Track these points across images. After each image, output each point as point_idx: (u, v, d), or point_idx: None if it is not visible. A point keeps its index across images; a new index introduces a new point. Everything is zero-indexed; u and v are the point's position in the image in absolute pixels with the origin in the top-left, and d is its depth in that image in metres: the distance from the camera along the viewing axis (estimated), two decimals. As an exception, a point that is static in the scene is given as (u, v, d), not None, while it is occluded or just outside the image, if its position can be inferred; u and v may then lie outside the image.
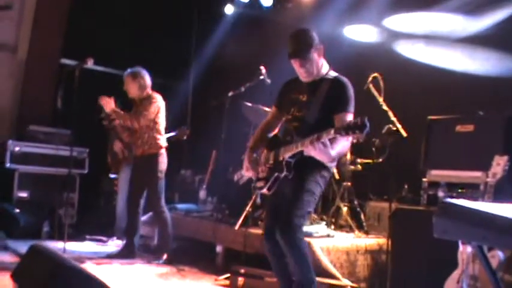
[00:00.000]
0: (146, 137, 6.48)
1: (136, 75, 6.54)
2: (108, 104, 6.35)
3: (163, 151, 6.56)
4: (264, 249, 4.41)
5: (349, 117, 4.02)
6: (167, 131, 6.86)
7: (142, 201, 6.62)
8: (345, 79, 4.21)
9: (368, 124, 3.45)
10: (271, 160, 4.17)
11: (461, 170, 4.90)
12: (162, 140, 6.58)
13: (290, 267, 4.19)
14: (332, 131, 3.61)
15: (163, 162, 6.54)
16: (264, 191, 4.19)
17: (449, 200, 2.45)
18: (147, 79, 6.58)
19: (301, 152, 3.91)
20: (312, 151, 3.79)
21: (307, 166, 4.02)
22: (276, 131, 4.46)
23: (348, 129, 3.48)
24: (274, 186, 4.11)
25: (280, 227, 4.03)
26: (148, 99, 6.51)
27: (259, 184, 4.24)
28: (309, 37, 4.16)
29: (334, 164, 4.24)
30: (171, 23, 9.73)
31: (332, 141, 3.81)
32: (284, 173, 4.04)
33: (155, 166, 6.46)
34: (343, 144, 3.93)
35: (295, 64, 4.19)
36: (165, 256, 6.47)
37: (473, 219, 2.30)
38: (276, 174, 4.08)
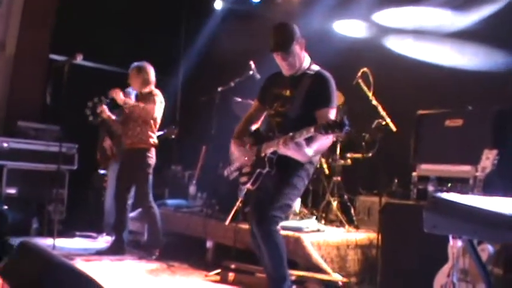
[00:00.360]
0: (138, 130, 6.47)
1: (141, 69, 6.56)
2: (119, 94, 6.38)
3: (152, 148, 6.54)
4: (252, 245, 4.43)
5: (332, 112, 4.03)
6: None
7: (129, 197, 6.59)
8: (327, 74, 4.21)
9: (347, 123, 3.43)
10: (253, 156, 4.17)
11: (450, 164, 4.91)
12: (154, 137, 6.57)
13: (263, 261, 4.20)
14: (312, 129, 3.61)
15: (151, 157, 6.53)
16: (248, 186, 4.20)
17: (439, 194, 2.45)
18: (152, 75, 6.61)
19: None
20: (286, 151, 3.81)
21: (290, 161, 4.01)
22: (259, 124, 4.47)
23: (327, 127, 3.48)
24: (258, 182, 4.11)
25: (256, 218, 4.08)
26: (151, 95, 6.53)
27: (243, 179, 4.27)
28: (290, 30, 4.16)
29: (317, 158, 4.24)
30: (160, 19, 9.70)
31: (310, 139, 3.82)
32: (266, 169, 4.04)
33: (143, 161, 6.45)
34: (321, 142, 3.93)
35: (277, 57, 4.20)
36: (157, 252, 6.48)
37: (463, 213, 2.31)
38: (258, 170, 4.09)
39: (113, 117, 6.62)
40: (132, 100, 6.61)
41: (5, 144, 7.81)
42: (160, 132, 7.11)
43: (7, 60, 8.84)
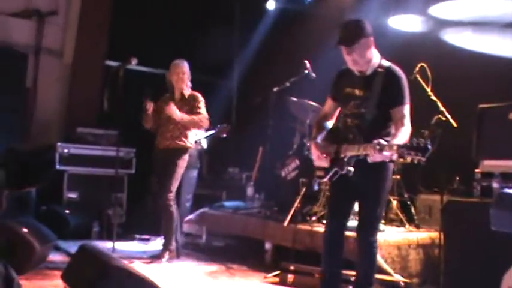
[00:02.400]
0: (178, 133, 6.41)
1: (186, 67, 6.50)
2: (174, 110, 6.28)
3: (188, 150, 6.49)
4: (323, 237, 4.54)
5: (406, 109, 4.09)
6: (209, 129, 6.83)
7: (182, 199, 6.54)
8: (398, 70, 4.22)
9: (430, 148, 3.59)
10: (332, 154, 4.21)
11: (515, 159, 4.75)
12: (191, 138, 6.52)
13: (357, 267, 4.39)
14: (395, 147, 3.70)
15: (184, 159, 6.44)
16: (324, 180, 4.33)
17: (506, 190, 2.34)
18: (189, 73, 6.55)
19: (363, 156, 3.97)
20: (374, 159, 3.88)
21: (374, 166, 4.01)
22: (334, 120, 4.50)
23: (411, 149, 3.60)
24: (334, 179, 4.20)
25: (364, 232, 4.27)
26: (196, 99, 6.46)
27: (319, 173, 4.33)
28: (358, 26, 4.15)
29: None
30: (213, 21, 9.73)
31: (391, 139, 3.91)
32: (345, 171, 4.08)
33: (176, 159, 6.35)
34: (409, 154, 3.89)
35: (344, 52, 4.19)
36: (166, 255, 6.28)
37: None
38: (335, 169, 4.14)
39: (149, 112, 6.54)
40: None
41: (66, 150, 7.97)
42: (212, 132, 7.10)
43: (65, 68, 9.04)
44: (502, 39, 6.37)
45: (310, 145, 4.52)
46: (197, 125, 6.42)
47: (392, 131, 4.14)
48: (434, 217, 6.06)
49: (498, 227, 2.34)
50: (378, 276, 4.83)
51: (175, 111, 6.26)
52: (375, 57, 4.24)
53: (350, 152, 4.07)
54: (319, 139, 4.39)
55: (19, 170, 7.70)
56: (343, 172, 4.09)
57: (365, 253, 4.28)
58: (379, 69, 4.19)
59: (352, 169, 4.06)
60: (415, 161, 3.66)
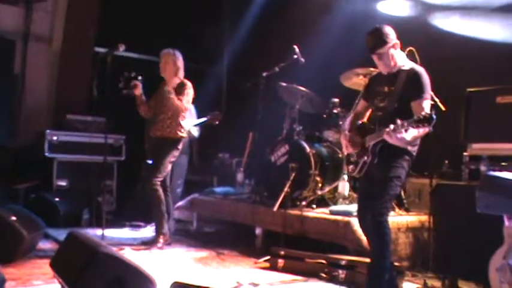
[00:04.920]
0: (169, 122, 6.38)
1: (177, 56, 6.49)
2: (138, 88, 6.35)
3: (181, 140, 6.48)
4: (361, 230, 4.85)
5: (426, 102, 4.39)
6: (200, 116, 6.79)
7: (173, 186, 6.53)
8: (419, 68, 4.55)
9: (435, 117, 3.91)
10: (359, 147, 4.60)
11: (503, 142, 4.77)
12: (184, 128, 6.50)
13: (371, 249, 4.58)
14: (406, 123, 4.04)
15: (177, 149, 6.44)
16: (355, 174, 4.65)
17: (492, 173, 2.35)
18: (182, 62, 6.53)
19: (384, 140, 4.32)
20: (390, 140, 4.23)
21: (392, 153, 4.40)
22: (365, 119, 4.79)
23: (418, 122, 3.97)
24: (363, 170, 4.54)
25: (373, 212, 4.42)
26: (184, 86, 6.43)
27: (351, 167, 4.70)
28: (383, 33, 4.52)
29: (416, 147, 4.56)
30: (202, 7, 9.69)
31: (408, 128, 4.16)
32: (370, 158, 4.47)
33: (169, 149, 6.35)
34: (418, 131, 4.20)
35: (374, 58, 4.58)
36: (161, 239, 6.27)
37: (518, 191, 2.20)
38: (363, 159, 4.51)
39: (143, 98, 6.53)
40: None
41: (55, 138, 7.96)
42: (204, 119, 7.08)
43: (54, 55, 8.98)
44: (490, 24, 6.37)
45: (340, 137, 5.00)
46: (176, 109, 6.37)
47: None
48: (424, 200, 6.07)
49: (483, 209, 2.35)
50: (367, 260, 4.86)
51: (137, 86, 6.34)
52: (401, 58, 4.62)
53: (372, 140, 4.44)
54: (347, 131, 4.80)
55: (10, 168, 7.70)
56: (370, 159, 4.45)
57: (375, 233, 4.43)
58: (404, 68, 4.56)
59: (376, 157, 4.43)
60: (425, 132, 4.13)
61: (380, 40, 4.50)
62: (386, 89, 4.59)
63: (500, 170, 4.22)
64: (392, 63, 4.56)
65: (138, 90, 6.38)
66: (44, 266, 4.89)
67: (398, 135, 4.14)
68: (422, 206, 6.05)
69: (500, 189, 2.28)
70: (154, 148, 6.52)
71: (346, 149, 4.81)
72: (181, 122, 6.44)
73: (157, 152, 6.40)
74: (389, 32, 4.55)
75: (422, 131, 4.18)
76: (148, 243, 6.28)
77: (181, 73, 6.52)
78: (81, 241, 3.78)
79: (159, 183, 6.31)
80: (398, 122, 4.09)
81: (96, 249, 3.49)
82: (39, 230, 5.69)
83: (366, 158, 4.49)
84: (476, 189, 3.88)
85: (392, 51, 4.53)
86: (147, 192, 6.41)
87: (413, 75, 4.47)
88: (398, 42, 4.57)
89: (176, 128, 6.40)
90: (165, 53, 6.50)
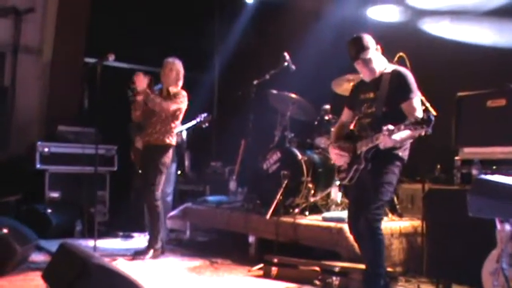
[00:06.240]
0: (158, 127, 6.34)
1: (176, 65, 6.47)
2: (142, 82, 6.28)
3: (171, 148, 6.43)
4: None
5: (416, 100, 4.43)
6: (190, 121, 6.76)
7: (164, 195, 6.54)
8: (402, 69, 4.62)
9: (433, 119, 3.90)
10: (350, 154, 4.58)
11: (494, 145, 4.77)
12: (174, 136, 6.46)
13: (364, 255, 4.62)
14: (402, 127, 4.05)
15: (168, 157, 6.38)
16: (346, 182, 4.63)
17: (483, 176, 2.34)
18: (182, 74, 6.51)
19: (377, 146, 4.33)
20: (386, 142, 4.22)
21: (383, 158, 4.42)
22: (352, 127, 4.81)
23: (416, 124, 3.96)
24: (355, 177, 4.53)
25: (366, 218, 4.40)
26: (179, 94, 6.40)
27: (341, 176, 4.69)
28: (364, 40, 4.55)
29: (407, 152, 4.58)
30: (192, 16, 9.70)
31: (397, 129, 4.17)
32: (363, 165, 4.46)
33: (158, 157, 6.30)
34: (405, 133, 4.20)
35: (358, 66, 4.61)
36: (150, 252, 6.24)
37: (509, 195, 2.20)
38: (355, 166, 4.51)
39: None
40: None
41: (46, 149, 7.93)
42: (193, 122, 7.06)
43: (44, 66, 8.97)
44: (480, 28, 6.40)
45: (329, 148, 4.93)
46: (158, 107, 6.29)
47: None
48: (417, 206, 6.07)
49: (475, 213, 2.35)
50: (360, 266, 4.85)
51: (142, 81, 6.26)
52: (383, 63, 4.65)
53: (365, 146, 4.43)
54: (334, 141, 4.80)
55: (0, 180, 7.65)
56: (362, 166, 4.44)
57: (369, 239, 4.43)
58: (386, 71, 4.59)
59: (369, 163, 4.42)
60: (423, 134, 4.00)
61: (362, 45, 4.53)
62: (372, 95, 4.61)
63: (492, 174, 4.22)
64: (376, 68, 4.59)
65: (139, 97, 6.37)
66: (36, 278, 4.86)
67: (393, 137, 4.15)
68: (415, 211, 6.05)
69: (491, 193, 2.28)
70: (142, 158, 6.49)
71: (336, 161, 4.80)
72: (172, 130, 6.41)
73: (148, 159, 6.36)
74: (369, 39, 4.59)
75: (411, 133, 4.15)
76: (142, 253, 6.25)
77: (180, 83, 6.51)
78: (73, 252, 3.75)
79: (159, 197, 6.30)
80: (392, 127, 4.09)
81: (88, 261, 3.47)
82: (32, 243, 5.66)
83: (358, 165, 4.49)
84: (467, 193, 3.88)
85: (374, 56, 4.56)
86: (147, 207, 6.43)
87: (397, 76, 4.50)
88: (379, 47, 4.61)
89: (164, 135, 6.36)
90: (171, 62, 6.48)
